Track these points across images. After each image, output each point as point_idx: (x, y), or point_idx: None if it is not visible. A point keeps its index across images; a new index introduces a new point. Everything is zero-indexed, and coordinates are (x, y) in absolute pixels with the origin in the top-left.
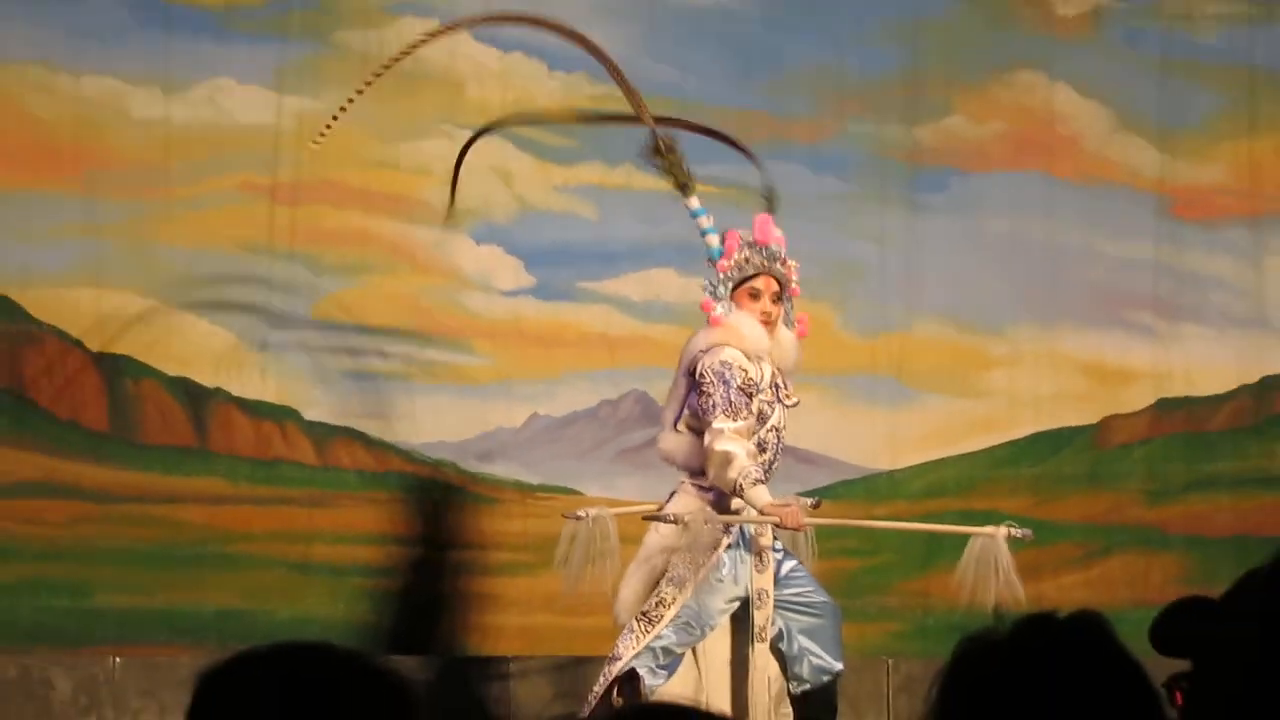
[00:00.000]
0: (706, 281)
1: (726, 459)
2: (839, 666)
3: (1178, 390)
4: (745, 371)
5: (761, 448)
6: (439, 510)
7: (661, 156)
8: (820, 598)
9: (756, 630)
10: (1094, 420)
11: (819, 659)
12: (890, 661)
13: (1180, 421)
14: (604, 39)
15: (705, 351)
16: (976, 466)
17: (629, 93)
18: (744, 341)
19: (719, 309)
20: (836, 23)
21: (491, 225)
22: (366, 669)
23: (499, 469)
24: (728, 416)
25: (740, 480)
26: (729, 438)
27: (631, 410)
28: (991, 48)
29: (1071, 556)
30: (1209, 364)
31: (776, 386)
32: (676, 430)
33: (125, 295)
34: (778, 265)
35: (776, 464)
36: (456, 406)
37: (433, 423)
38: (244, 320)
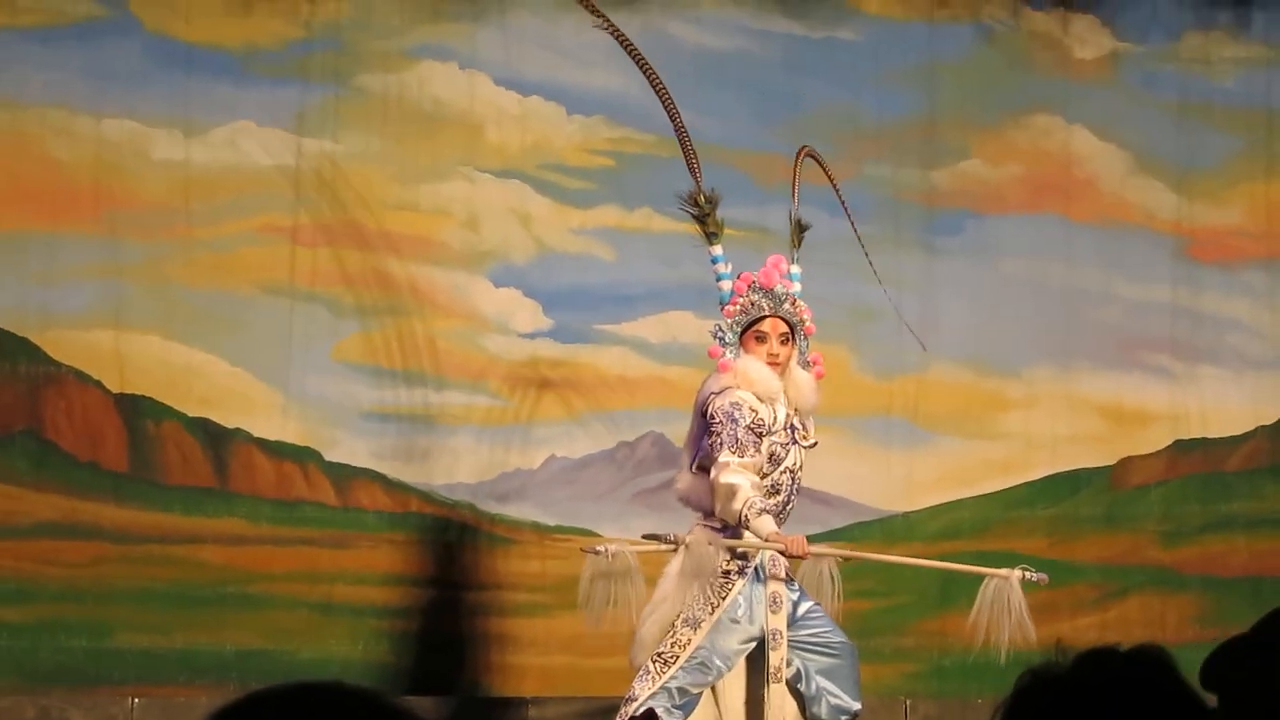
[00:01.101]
0: (716, 326)
1: (731, 491)
2: (857, 706)
3: (1194, 431)
4: (755, 412)
5: (775, 489)
6: (457, 551)
7: (699, 206)
8: (838, 638)
9: (771, 671)
10: (1110, 462)
11: (837, 699)
12: (908, 702)
13: (1197, 463)
14: (624, 82)
15: (717, 394)
16: (992, 508)
17: (682, 134)
18: (754, 385)
19: (727, 354)
20: (854, 67)
21: (510, 267)
22: (381, 708)
23: (516, 510)
24: (733, 452)
25: (745, 511)
26: (734, 470)
27: (649, 452)
28: (1008, 91)
29: (1088, 598)
30: (1226, 405)
31: (792, 428)
32: (693, 472)
33: (146, 337)
34: (785, 306)
35: (791, 506)
36: (475, 448)
37: (451, 464)
38: (265, 361)
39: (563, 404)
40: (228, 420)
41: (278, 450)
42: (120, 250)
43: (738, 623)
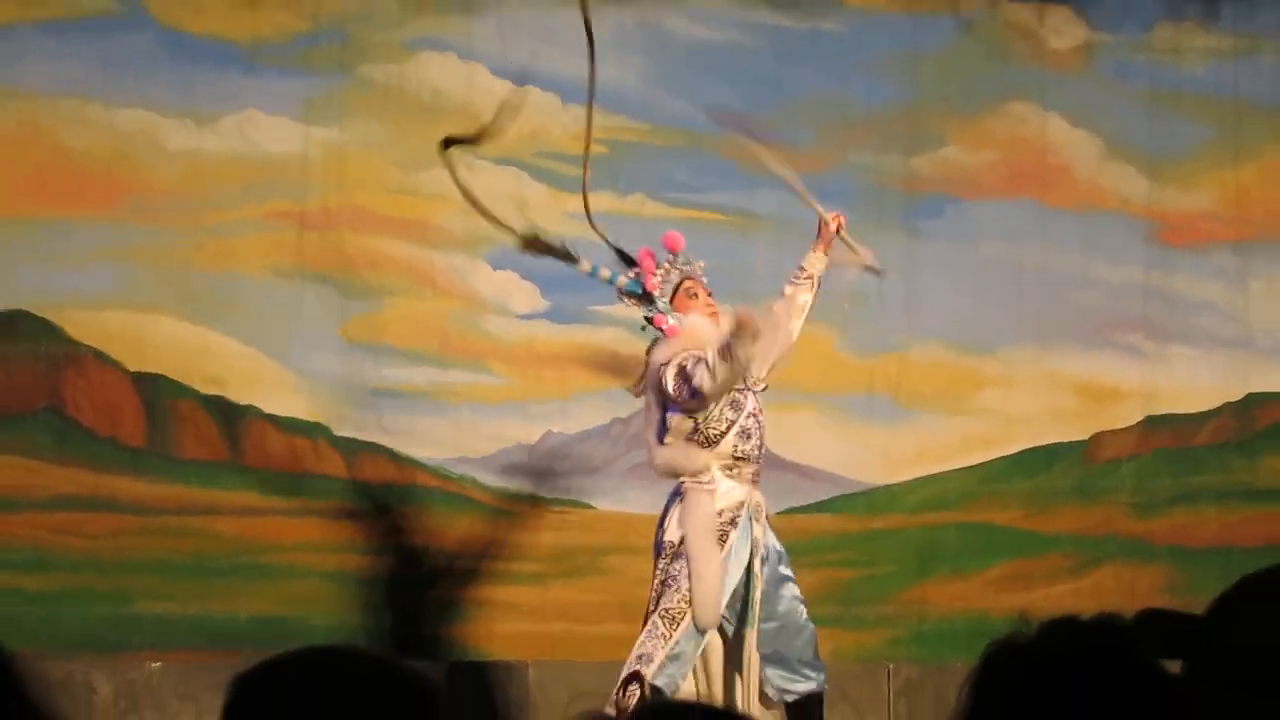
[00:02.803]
0: (642, 316)
1: (702, 369)
2: (807, 687)
3: (1165, 408)
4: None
5: (746, 434)
6: (460, 522)
7: (534, 248)
8: (799, 618)
9: (750, 615)
10: (1084, 437)
11: (786, 676)
12: (890, 666)
13: (1167, 438)
14: (619, 72)
15: (665, 365)
16: (971, 481)
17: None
18: (705, 342)
19: (670, 320)
20: (838, 57)
21: (507, 251)
22: (391, 671)
23: (515, 483)
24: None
25: (710, 355)
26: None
27: (641, 428)
28: (986, 80)
29: (1063, 567)
30: (1195, 383)
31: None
32: (664, 444)
33: (161, 318)
34: (692, 268)
35: (764, 449)
36: (476, 424)
37: (454, 439)
38: (275, 341)
39: (559, 382)
40: (240, 397)
41: (289, 426)
42: (135, 235)
43: (730, 575)
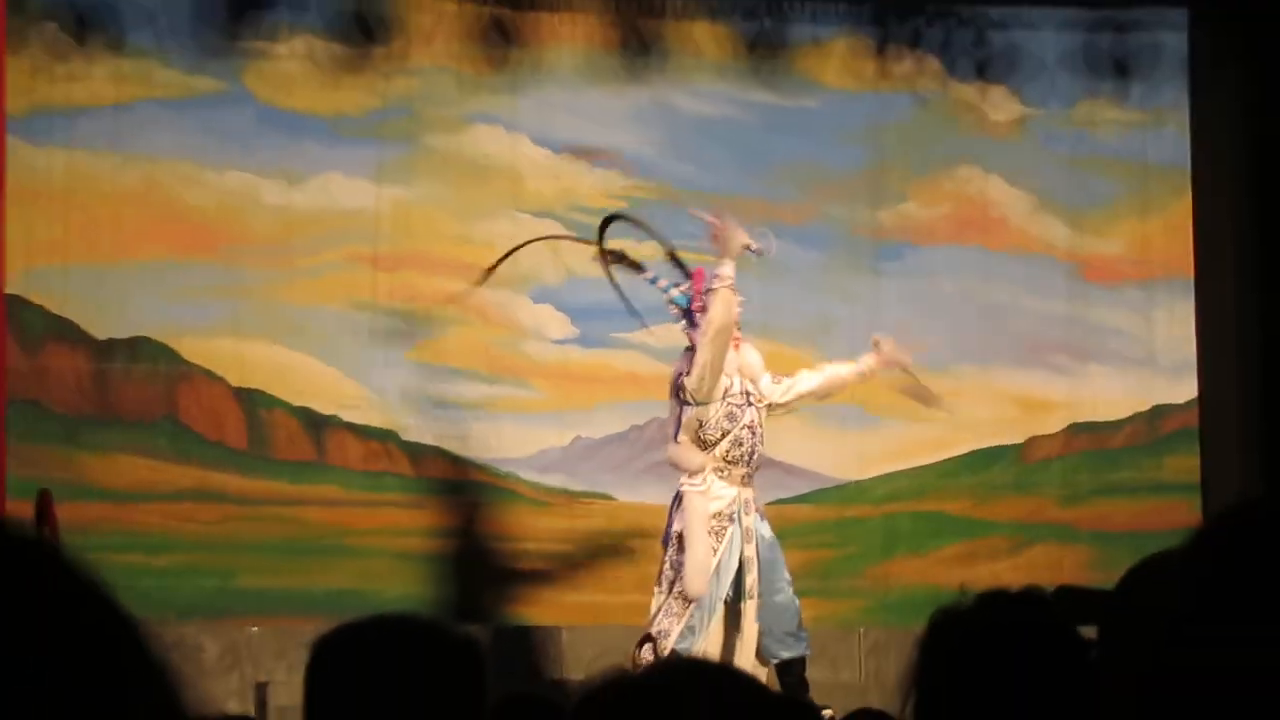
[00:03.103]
0: (681, 328)
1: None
2: (786, 654)
3: (1086, 416)
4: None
5: (738, 443)
6: (506, 511)
7: (618, 264)
8: (782, 596)
9: (746, 589)
10: (1020, 440)
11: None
12: (861, 630)
13: (1088, 441)
14: (635, 141)
15: (682, 374)
16: (927, 477)
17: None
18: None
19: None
20: (816, 128)
21: (544, 288)
22: (446, 634)
23: (551, 479)
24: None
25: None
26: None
27: (655, 434)
28: (938, 147)
29: (1002, 548)
30: (1110, 396)
31: (747, 393)
32: (677, 441)
33: (259, 343)
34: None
35: (756, 457)
36: (518, 430)
37: (500, 443)
38: (353, 361)
39: (587, 395)
40: (324, 409)
41: (364, 432)
42: (238, 275)
43: (726, 560)
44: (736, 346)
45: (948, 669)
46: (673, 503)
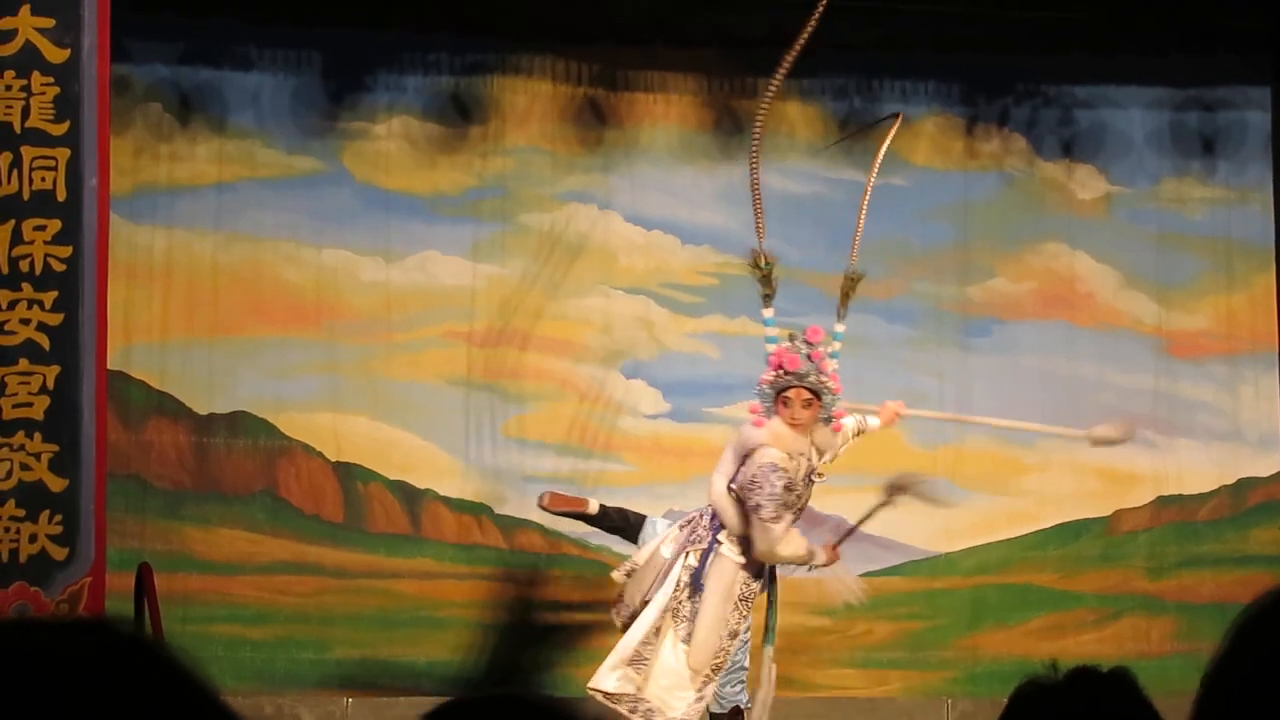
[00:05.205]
0: (758, 386)
1: (793, 543)
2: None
3: (1172, 489)
4: (785, 471)
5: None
6: (599, 585)
7: (759, 268)
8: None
9: (768, 632)
10: (1107, 513)
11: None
12: (949, 700)
13: (1174, 514)
14: (725, 220)
15: (763, 445)
16: (1013, 549)
17: (756, 199)
18: (782, 443)
19: (763, 416)
20: (905, 206)
21: (637, 363)
22: (555, 712)
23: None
24: (776, 519)
25: (807, 547)
26: (782, 532)
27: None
28: (1025, 224)
29: (1088, 619)
30: (1197, 469)
31: (810, 475)
32: (729, 490)
33: (357, 418)
34: (810, 379)
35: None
36: (612, 504)
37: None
38: (449, 436)
39: (679, 469)
40: (420, 482)
41: (458, 506)
42: (337, 351)
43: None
44: (837, 429)
45: None
46: (709, 549)
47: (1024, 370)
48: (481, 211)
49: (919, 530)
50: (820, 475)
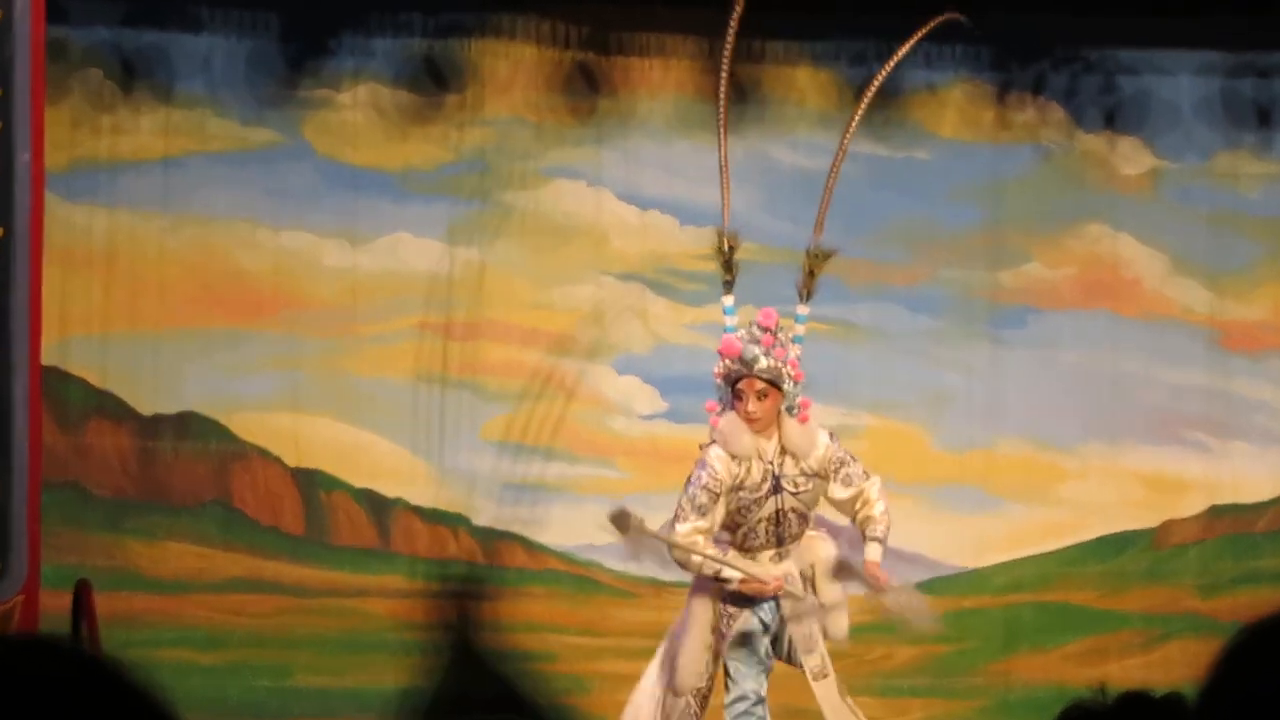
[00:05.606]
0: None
1: (676, 551)
2: None
3: (1227, 498)
4: (716, 472)
5: (753, 533)
6: (587, 603)
7: (722, 252)
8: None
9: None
10: (1154, 524)
11: None
12: None
13: (1229, 525)
14: (731, 198)
15: (703, 446)
16: (1051, 565)
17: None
18: (727, 443)
19: (717, 413)
20: (929, 183)
21: (631, 358)
22: None
23: (637, 568)
24: (679, 520)
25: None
26: (678, 538)
27: None
28: (1063, 203)
29: (1134, 642)
30: (1254, 475)
31: (776, 479)
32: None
33: (320, 419)
34: (761, 365)
35: (784, 539)
36: (601, 514)
37: (581, 528)
38: (421, 439)
39: (678, 475)
40: (389, 490)
41: (432, 516)
42: (297, 345)
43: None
44: (804, 419)
45: None
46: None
47: (1061, 365)
48: (458, 189)
49: (947, 543)
50: (798, 488)
